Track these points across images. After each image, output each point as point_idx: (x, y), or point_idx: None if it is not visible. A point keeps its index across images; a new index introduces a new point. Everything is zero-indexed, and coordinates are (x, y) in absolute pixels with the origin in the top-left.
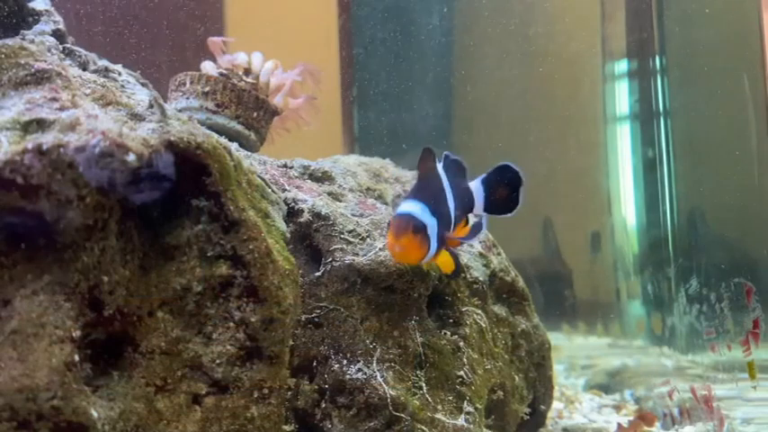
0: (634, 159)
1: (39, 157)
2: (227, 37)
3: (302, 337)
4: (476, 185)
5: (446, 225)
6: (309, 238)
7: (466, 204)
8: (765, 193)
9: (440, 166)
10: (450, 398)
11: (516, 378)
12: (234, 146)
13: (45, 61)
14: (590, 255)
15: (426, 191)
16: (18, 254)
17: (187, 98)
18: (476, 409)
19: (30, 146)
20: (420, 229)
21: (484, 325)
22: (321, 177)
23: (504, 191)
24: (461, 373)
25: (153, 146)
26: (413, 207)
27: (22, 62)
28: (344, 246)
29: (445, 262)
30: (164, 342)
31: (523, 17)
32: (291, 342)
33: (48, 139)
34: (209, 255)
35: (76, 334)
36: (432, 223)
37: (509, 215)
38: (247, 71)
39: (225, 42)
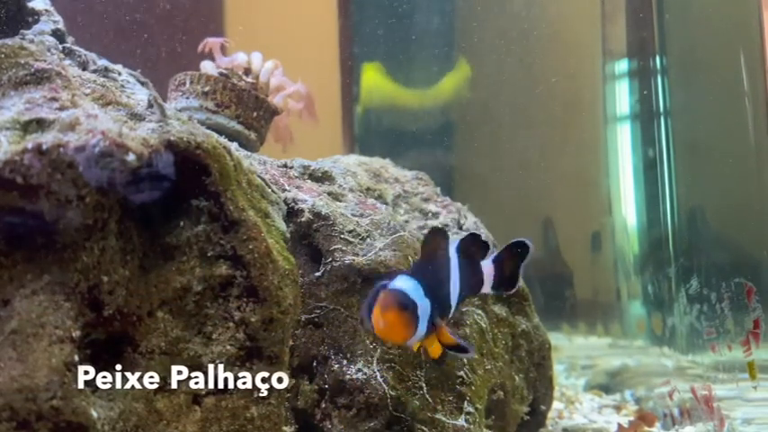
0: (634, 159)
1: (38, 157)
2: (227, 37)
3: (302, 337)
4: (487, 264)
5: (442, 310)
6: (309, 238)
7: (474, 285)
8: (765, 192)
9: (453, 247)
10: (451, 398)
11: (516, 378)
12: (234, 146)
13: (45, 61)
14: (590, 255)
15: (426, 271)
16: (18, 254)
17: (187, 98)
18: (476, 409)
19: (30, 146)
20: (407, 307)
21: (484, 325)
22: (321, 177)
23: (511, 266)
24: (461, 373)
25: (153, 146)
26: (406, 284)
27: (22, 62)
28: (344, 246)
29: (435, 348)
30: (164, 342)
31: (523, 17)
32: (291, 342)
33: (47, 138)
34: (209, 255)
35: (76, 334)
36: (423, 304)
37: (510, 292)
38: (247, 71)
39: (224, 43)
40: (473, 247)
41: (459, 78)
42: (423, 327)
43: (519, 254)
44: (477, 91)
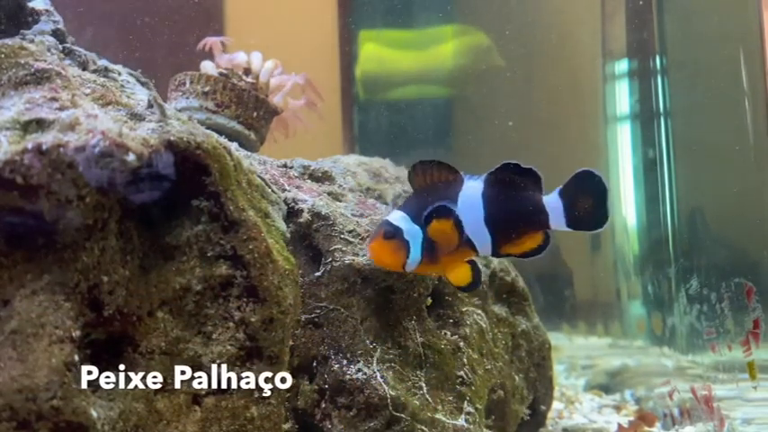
0: (634, 159)
1: (38, 157)
2: (227, 37)
3: (302, 337)
4: (552, 198)
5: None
6: (309, 238)
7: (533, 220)
8: (765, 192)
9: (471, 178)
10: (451, 398)
11: (516, 378)
12: (234, 146)
13: (45, 61)
14: (590, 255)
15: (415, 201)
16: (18, 254)
17: (187, 98)
18: (476, 409)
19: (29, 146)
20: (391, 234)
21: (484, 325)
22: (321, 177)
23: (588, 202)
24: (461, 373)
25: (153, 146)
26: (390, 215)
27: (22, 62)
28: (344, 246)
29: (457, 274)
30: (163, 342)
31: (523, 17)
32: (291, 342)
33: (47, 138)
34: (208, 255)
35: (76, 334)
36: (412, 229)
37: (598, 230)
38: (247, 71)
39: (223, 42)
40: (513, 178)
41: (460, 44)
42: (416, 251)
43: (592, 189)
44: (477, 91)
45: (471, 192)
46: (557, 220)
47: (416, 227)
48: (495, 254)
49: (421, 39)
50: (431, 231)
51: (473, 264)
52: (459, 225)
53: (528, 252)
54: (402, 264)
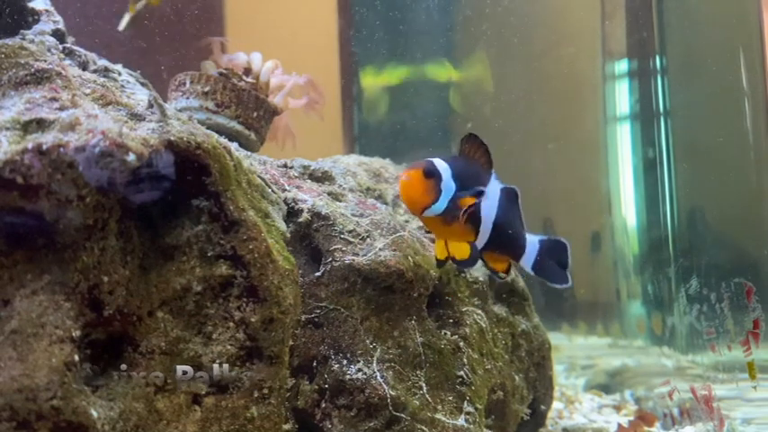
0: (634, 159)
1: (39, 157)
2: (225, 38)
3: (302, 337)
4: (532, 240)
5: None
6: (309, 238)
7: (515, 244)
8: (765, 192)
9: (498, 182)
10: (451, 398)
11: (516, 378)
12: (234, 146)
13: (45, 61)
14: (590, 255)
15: (460, 163)
16: (18, 254)
17: (187, 98)
18: (476, 409)
19: (30, 146)
20: (430, 174)
21: (484, 325)
22: (321, 177)
23: (554, 264)
24: (461, 373)
25: (153, 146)
26: (437, 161)
27: (22, 62)
28: (344, 246)
29: (458, 247)
30: (164, 342)
31: (524, 17)
32: (291, 342)
33: (48, 138)
34: (209, 255)
35: (76, 334)
36: (449, 182)
37: (562, 286)
38: (247, 71)
39: (223, 43)
40: (516, 198)
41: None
42: (442, 202)
43: (560, 251)
44: (477, 91)
45: (494, 190)
46: (527, 260)
47: (453, 182)
48: (479, 252)
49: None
50: (467, 199)
51: (472, 244)
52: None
53: (493, 271)
54: (425, 206)
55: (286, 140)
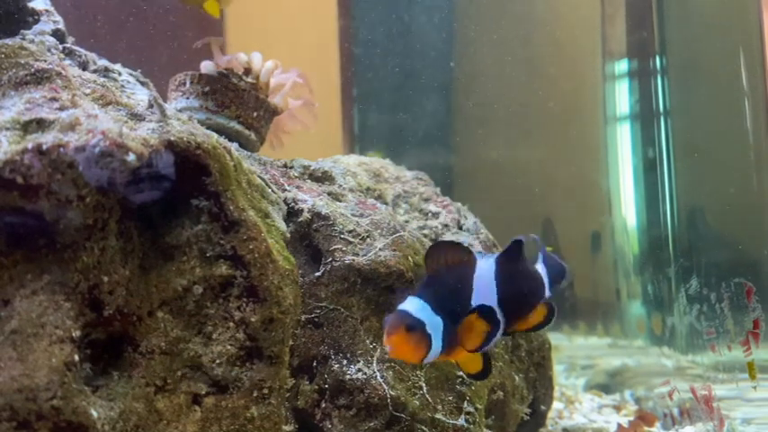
0: (634, 159)
1: (39, 157)
2: (228, 38)
3: (302, 337)
4: (540, 268)
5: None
6: (309, 237)
7: (535, 293)
8: (765, 192)
9: (485, 258)
10: (451, 398)
11: (516, 378)
12: (234, 146)
13: (45, 61)
14: (590, 255)
15: (433, 287)
16: (18, 254)
17: (187, 98)
18: (476, 409)
19: (30, 146)
20: (413, 327)
21: None
22: (321, 177)
23: (555, 265)
24: (461, 373)
25: (153, 146)
26: (410, 305)
27: (22, 62)
28: (344, 246)
29: (467, 361)
30: (164, 342)
31: (524, 17)
32: (291, 342)
33: (48, 138)
34: (208, 255)
35: (76, 334)
36: (434, 321)
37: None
38: (247, 71)
39: (222, 42)
40: (519, 254)
41: None
42: (437, 343)
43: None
44: (477, 91)
45: (484, 273)
46: (546, 289)
47: (437, 318)
48: (505, 333)
49: None
50: (467, 324)
51: (484, 354)
52: (495, 326)
53: (536, 326)
54: (422, 358)
55: (295, 127)
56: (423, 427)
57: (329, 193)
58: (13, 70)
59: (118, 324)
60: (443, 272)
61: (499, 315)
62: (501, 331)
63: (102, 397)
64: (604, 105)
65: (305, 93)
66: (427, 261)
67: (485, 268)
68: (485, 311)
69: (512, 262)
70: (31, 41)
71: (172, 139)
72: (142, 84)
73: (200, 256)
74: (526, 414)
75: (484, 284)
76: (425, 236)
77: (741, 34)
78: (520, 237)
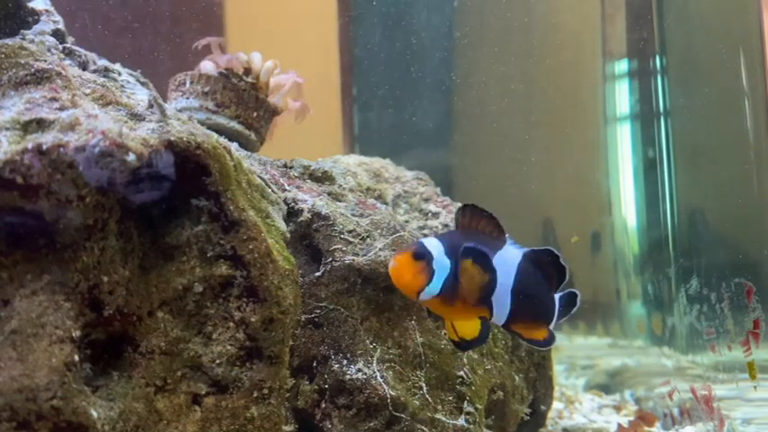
0: (634, 159)
1: (39, 157)
2: (228, 38)
3: (302, 337)
4: (557, 299)
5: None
6: (309, 237)
7: (545, 309)
8: (765, 192)
9: (515, 246)
10: (450, 398)
11: (516, 378)
12: (234, 146)
13: (45, 61)
14: (590, 255)
15: (454, 237)
16: (18, 254)
17: (187, 98)
18: (476, 409)
19: (30, 146)
20: (421, 256)
21: None
22: (321, 177)
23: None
24: (461, 373)
25: (153, 146)
26: (427, 240)
27: (22, 62)
28: (344, 246)
29: (465, 326)
30: (164, 342)
31: (523, 18)
32: (291, 342)
33: (47, 138)
34: (209, 255)
35: (76, 334)
36: (442, 261)
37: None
38: (247, 71)
39: (222, 42)
40: (547, 266)
41: None
42: (437, 283)
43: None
44: (477, 91)
45: (509, 256)
46: (554, 319)
47: (447, 261)
48: (506, 326)
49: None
50: (463, 267)
51: (484, 320)
52: (492, 280)
53: (533, 341)
54: (419, 289)
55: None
56: (423, 427)
57: (329, 193)
58: (13, 70)
59: (118, 324)
60: (472, 232)
61: (509, 302)
62: (505, 316)
63: (102, 397)
64: (604, 105)
65: (301, 97)
66: (457, 216)
67: (512, 253)
68: (479, 255)
69: (539, 263)
70: (31, 41)
71: (172, 139)
72: (142, 84)
73: (200, 256)
74: (526, 414)
75: (505, 266)
76: (425, 236)
77: (741, 34)
78: (556, 251)
